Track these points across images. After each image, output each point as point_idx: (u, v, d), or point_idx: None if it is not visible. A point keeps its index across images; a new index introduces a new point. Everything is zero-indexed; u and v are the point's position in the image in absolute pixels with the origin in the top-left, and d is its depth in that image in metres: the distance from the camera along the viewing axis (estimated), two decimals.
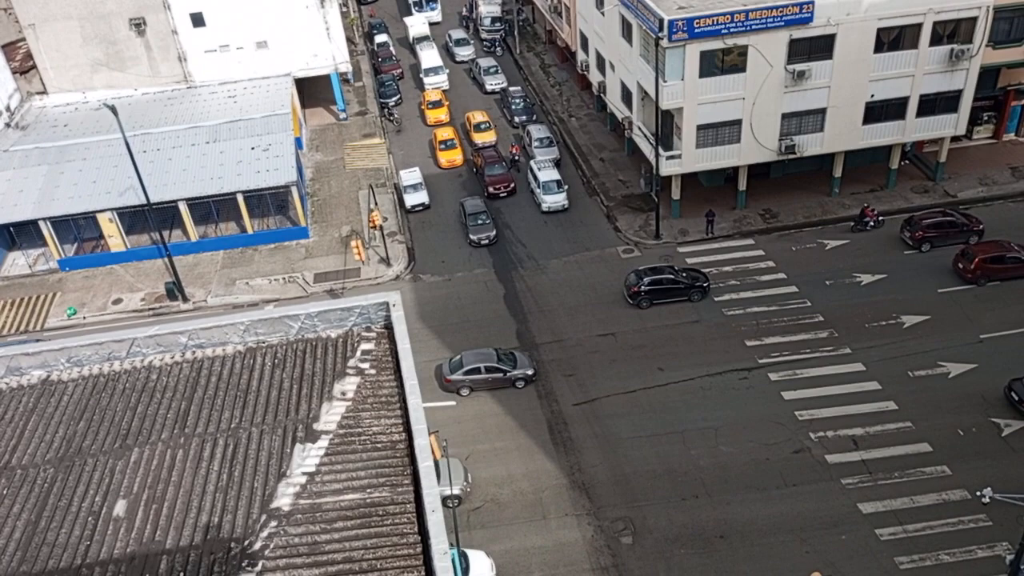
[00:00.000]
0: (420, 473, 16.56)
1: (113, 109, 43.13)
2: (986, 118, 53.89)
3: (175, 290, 47.54)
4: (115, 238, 50.66)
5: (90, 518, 16.70)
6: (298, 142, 57.93)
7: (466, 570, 31.38)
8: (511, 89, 65.04)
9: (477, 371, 39.80)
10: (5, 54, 59.74)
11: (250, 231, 51.67)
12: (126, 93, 59.37)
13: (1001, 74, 51.36)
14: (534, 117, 62.35)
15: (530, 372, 40.21)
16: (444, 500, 34.16)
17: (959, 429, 36.20)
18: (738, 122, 46.85)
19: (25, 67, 63.53)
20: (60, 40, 57.84)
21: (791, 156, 48.29)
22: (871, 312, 42.58)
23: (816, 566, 31.53)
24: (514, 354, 40.97)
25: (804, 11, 43.75)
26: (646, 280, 43.91)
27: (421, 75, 68.49)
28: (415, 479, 17.03)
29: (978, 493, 33.02)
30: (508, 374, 39.89)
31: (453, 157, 58.47)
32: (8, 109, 57.54)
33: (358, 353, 20.14)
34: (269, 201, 52.43)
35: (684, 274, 44.48)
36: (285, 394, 19.17)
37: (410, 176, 55.27)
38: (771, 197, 51.31)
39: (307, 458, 17.54)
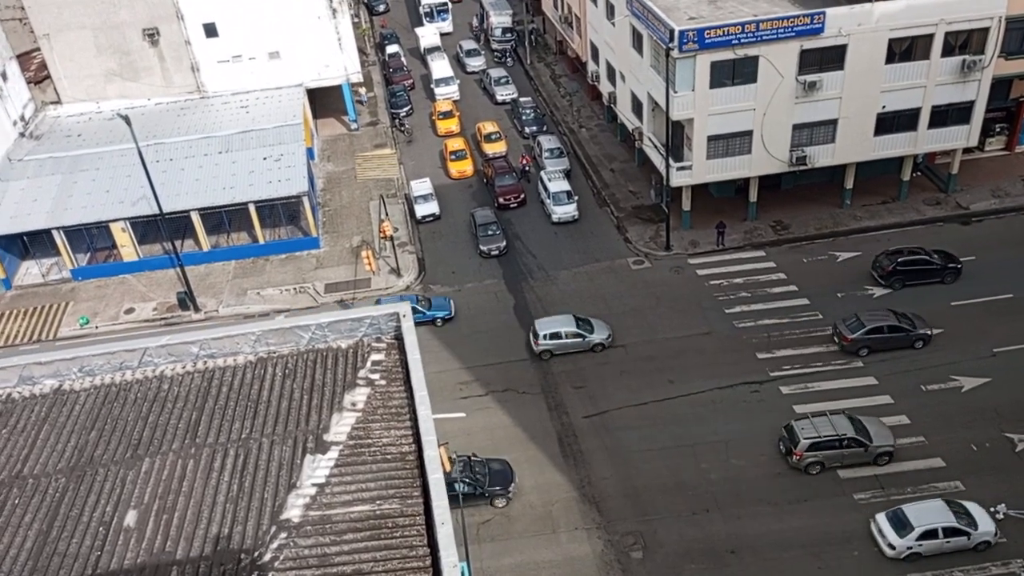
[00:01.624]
0: (430, 485, 16.51)
1: (126, 119, 43.44)
2: (999, 129, 53.65)
3: (187, 300, 47.72)
4: (128, 248, 50.91)
5: (101, 528, 16.70)
6: (310, 152, 58.18)
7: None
8: (522, 100, 65.19)
9: (879, 331, 39.98)
10: (20, 64, 60.25)
11: (262, 241, 51.85)
12: (139, 103, 59.79)
13: (1014, 85, 51.18)
14: (544, 128, 62.44)
15: (929, 333, 40.29)
16: (876, 458, 34.87)
17: (973, 444, 35.90)
18: (749, 133, 46.78)
19: (39, 77, 64.03)
20: (74, 50, 58.32)
21: (802, 167, 48.17)
22: None
23: None
24: (908, 315, 41.13)
25: (815, 22, 43.71)
26: (900, 260, 43.91)
27: (432, 86, 68.75)
28: (425, 491, 16.98)
29: (992, 509, 32.87)
30: (911, 334, 40.04)
31: (464, 168, 58.58)
32: (22, 119, 58.02)
33: (368, 364, 20.13)
34: (281, 211, 52.63)
35: (936, 255, 44.36)
36: (295, 404, 19.17)
37: (421, 187, 55.39)
38: (782, 208, 51.17)
39: (317, 469, 17.51)
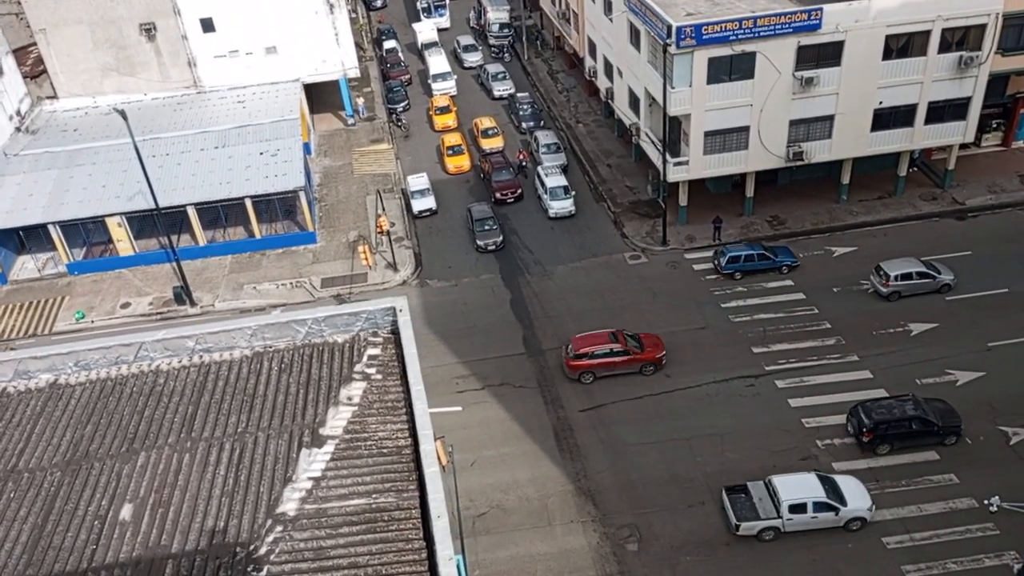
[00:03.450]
0: (425, 478, 16.57)
1: (123, 114, 43.39)
2: (995, 125, 53.73)
3: (183, 294, 47.71)
4: (124, 242, 50.87)
5: (96, 522, 16.75)
6: (307, 147, 58.12)
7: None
8: (519, 95, 65.15)
9: None
10: (16, 59, 60.14)
11: (258, 236, 51.82)
12: (136, 98, 59.68)
13: (1010, 81, 51.21)
14: (541, 123, 62.41)
15: None
16: None
17: (967, 437, 36.03)
18: (746, 128, 46.80)
19: (36, 72, 63.94)
20: (71, 45, 58.20)
21: (799, 163, 48.22)
22: (878, 319, 42.44)
23: (822, 574, 31.42)
24: None
25: (812, 18, 43.71)
26: None
27: (429, 81, 68.69)
28: (420, 484, 17.04)
29: (986, 501, 32.87)
30: None
31: (460, 163, 58.56)
32: (19, 113, 57.90)
33: (364, 358, 20.18)
34: (277, 206, 52.60)
35: None
36: (291, 399, 19.22)
37: (417, 182, 55.36)
38: (779, 204, 51.22)
39: (313, 463, 17.57)
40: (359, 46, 72.70)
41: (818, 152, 48.10)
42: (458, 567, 21.39)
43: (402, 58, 73.66)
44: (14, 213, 49.80)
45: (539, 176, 54.37)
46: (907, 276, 42.98)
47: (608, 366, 39.85)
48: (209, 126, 55.88)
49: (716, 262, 46.57)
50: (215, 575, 15.57)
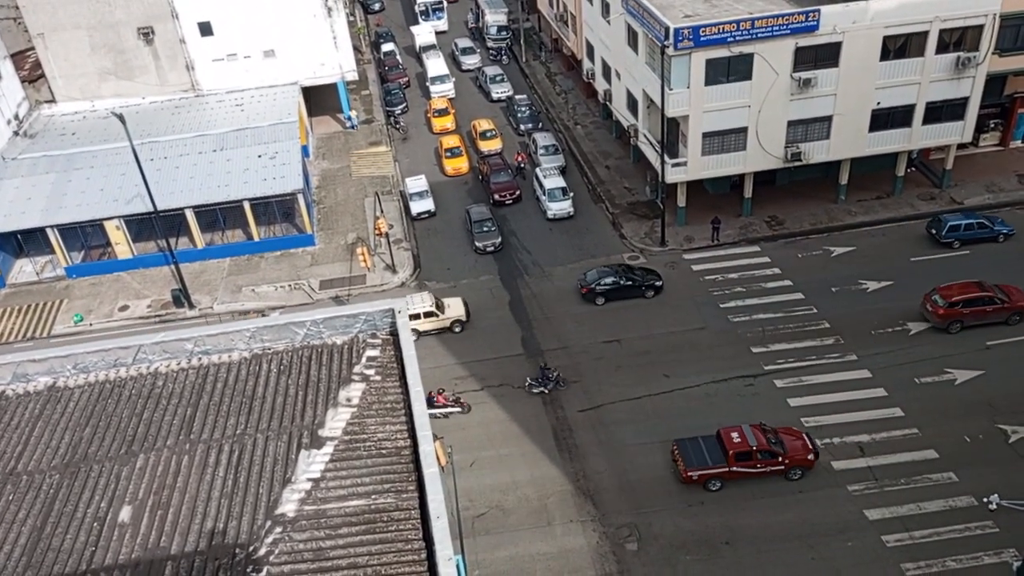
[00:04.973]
0: (425, 479, 16.58)
1: (121, 117, 43.44)
2: (993, 125, 53.84)
3: (181, 297, 47.71)
4: (122, 245, 50.88)
5: (95, 524, 16.75)
6: (305, 150, 58.15)
7: None
8: (517, 97, 65.21)
9: None
10: (14, 63, 60.16)
11: (256, 238, 51.83)
12: (134, 102, 59.69)
13: (1008, 81, 51.30)
14: (540, 125, 62.47)
15: None
16: None
17: (966, 436, 36.08)
18: (744, 130, 46.85)
19: (34, 76, 63.97)
20: (69, 49, 58.22)
21: (797, 163, 48.27)
22: (877, 319, 42.47)
23: (822, 573, 31.43)
24: None
25: (810, 19, 43.78)
26: None
27: (427, 83, 68.74)
28: (420, 485, 17.05)
29: (985, 500, 33.13)
30: None
31: (459, 165, 58.60)
32: (17, 117, 57.91)
33: (363, 359, 20.18)
34: (275, 209, 52.63)
35: None
36: (290, 400, 19.22)
37: (416, 184, 55.40)
38: (777, 204, 51.28)
39: (312, 464, 17.57)
40: (357, 49, 72.74)
41: (816, 153, 48.16)
42: (457, 567, 21.39)
43: (400, 61, 73.70)
44: (12, 216, 49.81)
45: (537, 178, 54.42)
46: None
47: (979, 314, 40.25)
48: (207, 129, 55.91)
49: (932, 231, 46.32)
50: None
